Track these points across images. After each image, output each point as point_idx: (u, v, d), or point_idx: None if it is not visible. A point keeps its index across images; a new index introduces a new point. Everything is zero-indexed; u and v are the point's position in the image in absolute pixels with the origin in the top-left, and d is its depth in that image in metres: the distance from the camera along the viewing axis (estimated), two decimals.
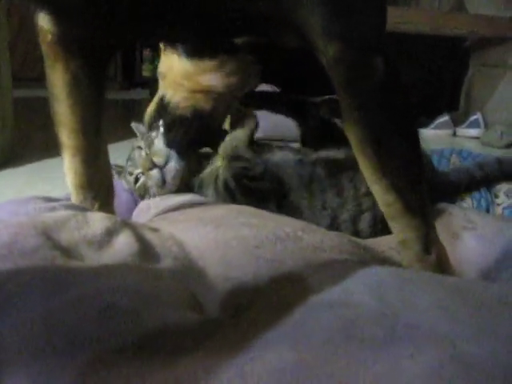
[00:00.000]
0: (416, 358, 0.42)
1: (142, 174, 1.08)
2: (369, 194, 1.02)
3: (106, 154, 0.87)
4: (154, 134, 1.07)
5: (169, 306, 0.52)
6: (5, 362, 0.45)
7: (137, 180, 1.09)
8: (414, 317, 0.48)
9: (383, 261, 0.77)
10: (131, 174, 1.11)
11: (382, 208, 0.72)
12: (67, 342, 0.44)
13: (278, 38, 0.73)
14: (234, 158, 1.06)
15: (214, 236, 0.72)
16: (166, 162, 1.06)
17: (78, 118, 0.80)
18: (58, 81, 0.78)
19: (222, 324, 0.52)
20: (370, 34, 0.65)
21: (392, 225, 0.73)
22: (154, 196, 1.06)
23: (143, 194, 1.08)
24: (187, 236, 0.73)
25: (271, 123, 1.53)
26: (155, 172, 1.06)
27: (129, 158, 1.14)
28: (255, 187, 1.02)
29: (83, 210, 0.79)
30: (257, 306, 0.54)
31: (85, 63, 0.77)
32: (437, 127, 2.92)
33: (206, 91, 0.96)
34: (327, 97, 1.14)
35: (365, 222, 1.01)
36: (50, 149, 1.95)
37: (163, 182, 1.06)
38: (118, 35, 0.74)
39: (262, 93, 1.19)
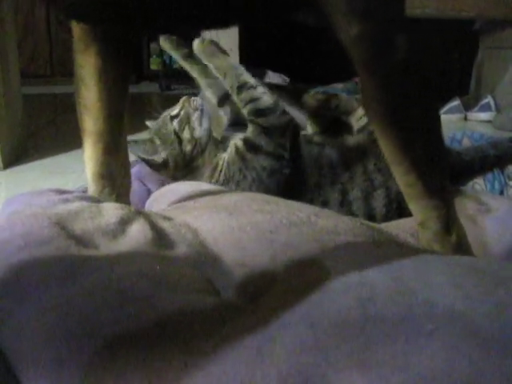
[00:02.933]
0: (434, 334, 0.42)
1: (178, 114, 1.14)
2: (379, 170, 1.03)
3: (125, 142, 0.88)
4: None
5: (184, 291, 0.52)
6: (23, 350, 0.46)
7: (172, 119, 1.14)
8: (430, 295, 0.47)
9: (398, 244, 0.76)
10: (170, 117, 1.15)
11: (403, 189, 0.71)
12: (84, 327, 0.44)
13: (297, 16, 0.72)
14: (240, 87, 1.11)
15: (228, 222, 0.72)
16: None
17: (104, 103, 0.80)
18: (88, 65, 0.78)
19: (240, 308, 0.52)
20: (393, 10, 0.64)
21: (412, 206, 0.72)
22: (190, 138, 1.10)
23: (183, 126, 1.12)
24: (201, 223, 0.73)
25: None
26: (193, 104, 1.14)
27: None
28: (267, 125, 1.06)
29: (97, 200, 0.79)
30: (274, 289, 0.54)
31: (115, 48, 0.77)
32: (448, 112, 2.89)
33: None
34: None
35: (378, 200, 1.01)
36: (60, 144, 1.96)
37: (200, 122, 1.12)
38: (144, 24, 0.74)
39: (273, 85, 1.19)
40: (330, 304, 0.47)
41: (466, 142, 1.41)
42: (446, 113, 2.90)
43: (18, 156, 1.81)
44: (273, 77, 2.60)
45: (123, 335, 0.44)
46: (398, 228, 0.84)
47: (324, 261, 0.58)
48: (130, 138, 2.09)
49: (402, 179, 0.70)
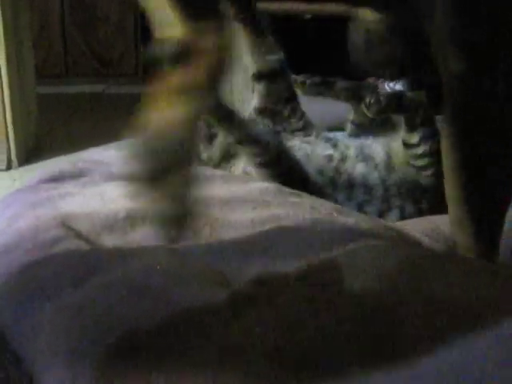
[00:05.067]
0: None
1: None
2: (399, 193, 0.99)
3: None
4: None
5: (198, 285, 0.52)
6: (40, 346, 0.46)
7: None
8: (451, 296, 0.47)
9: (415, 244, 0.75)
10: None
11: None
12: (98, 323, 0.44)
13: None
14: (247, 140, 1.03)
15: (251, 215, 0.71)
16: None
17: None
18: None
19: (253, 302, 0.52)
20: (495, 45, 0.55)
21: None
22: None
23: None
24: (223, 215, 0.72)
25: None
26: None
27: None
28: (271, 174, 1.00)
29: (93, 183, 0.78)
30: (291, 284, 0.54)
31: None
32: None
33: None
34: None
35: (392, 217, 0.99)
36: (74, 143, 1.97)
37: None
38: None
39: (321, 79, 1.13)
40: (347, 301, 0.46)
41: None
42: None
43: (32, 154, 1.82)
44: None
45: (138, 330, 0.44)
46: (417, 230, 0.83)
47: (342, 258, 0.57)
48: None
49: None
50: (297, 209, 0.73)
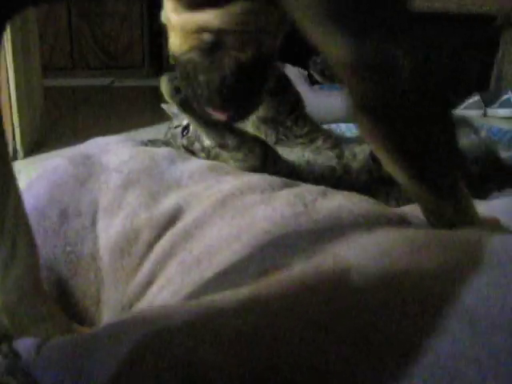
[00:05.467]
0: None
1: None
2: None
3: None
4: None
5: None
6: None
7: (185, 131, 1.09)
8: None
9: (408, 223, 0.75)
10: (176, 127, 1.11)
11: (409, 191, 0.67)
12: None
13: None
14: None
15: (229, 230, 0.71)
16: None
17: None
18: None
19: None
20: (396, 22, 0.51)
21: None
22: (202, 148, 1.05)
23: (192, 140, 1.08)
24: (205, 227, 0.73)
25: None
26: None
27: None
28: None
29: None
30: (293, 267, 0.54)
31: None
32: (467, 108, 2.87)
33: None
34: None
35: None
36: (79, 135, 1.99)
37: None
38: None
39: None
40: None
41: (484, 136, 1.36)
42: (465, 109, 2.88)
43: (37, 145, 1.84)
44: (292, 70, 2.59)
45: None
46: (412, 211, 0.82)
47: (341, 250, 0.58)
48: (148, 129, 2.11)
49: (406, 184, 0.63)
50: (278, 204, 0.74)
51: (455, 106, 2.88)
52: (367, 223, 0.66)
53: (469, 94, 2.90)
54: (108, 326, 0.52)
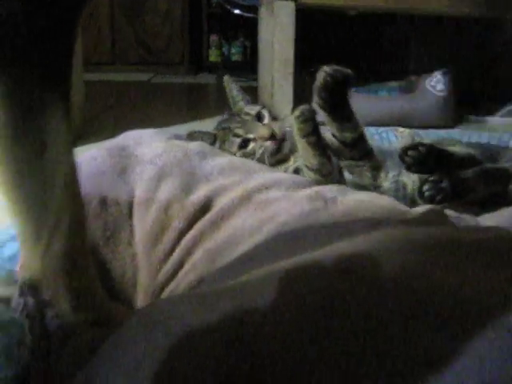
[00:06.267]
0: None
1: (253, 140, 1.07)
2: None
3: None
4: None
5: None
6: None
7: (243, 144, 1.07)
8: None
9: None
10: (237, 135, 1.08)
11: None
12: None
13: None
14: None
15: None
16: (284, 137, 1.06)
17: None
18: None
19: None
20: None
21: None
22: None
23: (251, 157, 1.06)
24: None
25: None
26: (270, 144, 1.05)
27: (233, 121, 1.12)
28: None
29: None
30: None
31: None
32: (506, 114, 2.80)
33: None
34: None
35: None
36: (117, 128, 2.03)
37: (277, 152, 1.06)
38: None
39: None
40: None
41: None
42: (503, 116, 2.81)
43: (77, 138, 1.90)
44: None
45: None
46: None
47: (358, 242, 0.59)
48: (186, 126, 2.14)
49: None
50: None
51: (494, 111, 2.82)
52: (387, 221, 0.68)
53: (509, 99, 2.83)
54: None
